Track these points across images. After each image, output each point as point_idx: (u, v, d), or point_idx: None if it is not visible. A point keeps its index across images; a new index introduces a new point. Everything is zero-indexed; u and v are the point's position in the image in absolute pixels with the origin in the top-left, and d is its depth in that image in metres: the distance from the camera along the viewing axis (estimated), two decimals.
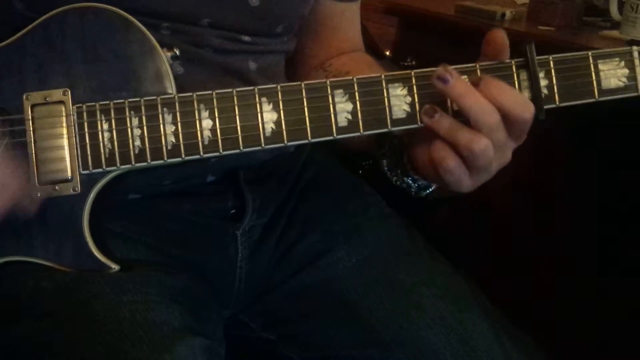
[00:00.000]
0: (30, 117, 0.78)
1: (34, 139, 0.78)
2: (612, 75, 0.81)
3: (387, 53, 1.69)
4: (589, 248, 1.46)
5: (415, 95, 0.80)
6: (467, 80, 0.79)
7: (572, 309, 1.46)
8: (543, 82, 0.81)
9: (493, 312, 0.93)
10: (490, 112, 0.78)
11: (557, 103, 0.81)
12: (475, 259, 1.51)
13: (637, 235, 1.39)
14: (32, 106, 0.78)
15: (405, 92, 0.80)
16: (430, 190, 0.90)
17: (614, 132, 1.36)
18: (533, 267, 1.57)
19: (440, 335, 0.89)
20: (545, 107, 0.80)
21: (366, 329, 0.92)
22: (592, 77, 0.81)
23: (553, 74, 0.81)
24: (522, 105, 0.78)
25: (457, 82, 0.78)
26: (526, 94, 0.81)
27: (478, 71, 0.80)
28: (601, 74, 0.81)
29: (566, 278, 1.51)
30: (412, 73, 0.81)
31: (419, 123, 0.80)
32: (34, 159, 0.78)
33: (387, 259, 0.97)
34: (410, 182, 0.90)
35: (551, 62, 0.81)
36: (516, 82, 0.81)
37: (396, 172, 0.90)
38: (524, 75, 0.81)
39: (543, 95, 0.81)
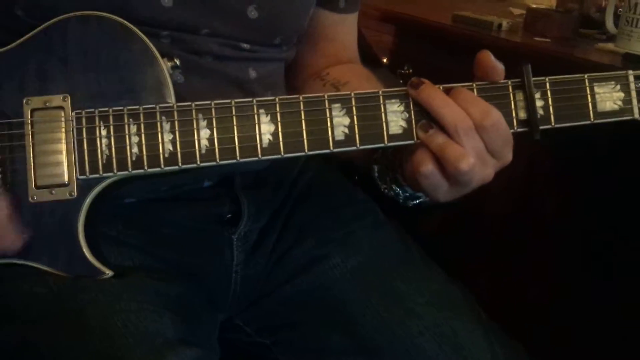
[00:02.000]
0: (29, 121, 0.79)
1: (32, 143, 0.79)
2: (607, 98, 0.82)
3: (384, 60, 1.69)
4: (584, 254, 1.46)
5: (412, 111, 0.81)
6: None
7: (567, 313, 1.47)
8: (539, 103, 0.82)
9: (486, 320, 0.94)
10: (461, 116, 0.79)
11: (553, 124, 0.82)
12: (469, 266, 1.52)
13: (630, 240, 1.39)
14: (32, 110, 0.79)
15: (402, 108, 0.81)
16: (418, 201, 0.91)
17: (609, 137, 1.35)
18: (528, 271, 1.57)
19: (433, 343, 0.90)
20: (541, 127, 0.81)
21: (360, 335, 0.92)
22: (587, 99, 0.82)
23: (549, 95, 0.82)
24: (484, 112, 0.79)
25: (427, 87, 0.80)
26: (522, 114, 0.82)
27: (475, 90, 0.81)
28: (597, 96, 0.82)
29: (561, 283, 1.51)
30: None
31: (415, 139, 0.81)
32: (32, 163, 0.79)
33: (381, 266, 0.97)
34: (399, 190, 0.90)
35: (547, 84, 0.82)
36: (512, 102, 0.82)
37: (385, 179, 0.91)
38: (520, 95, 0.81)
39: (539, 115, 0.81)
